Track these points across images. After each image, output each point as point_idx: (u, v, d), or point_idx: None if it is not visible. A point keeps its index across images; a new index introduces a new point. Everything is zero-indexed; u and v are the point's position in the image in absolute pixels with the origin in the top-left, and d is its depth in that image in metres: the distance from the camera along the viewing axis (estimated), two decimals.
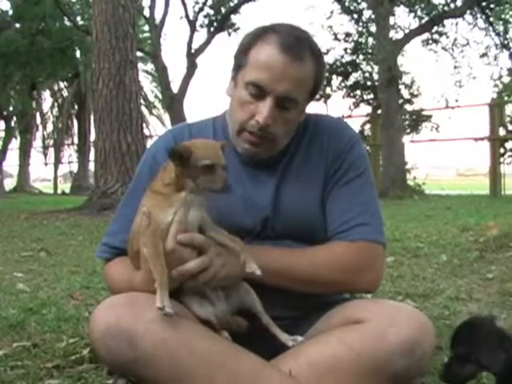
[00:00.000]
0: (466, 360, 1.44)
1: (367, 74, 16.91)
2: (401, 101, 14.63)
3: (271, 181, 1.71)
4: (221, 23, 16.84)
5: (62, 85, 25.41)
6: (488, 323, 1.46)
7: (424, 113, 15.98)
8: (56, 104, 25.67)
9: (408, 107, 16.20)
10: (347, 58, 16.75)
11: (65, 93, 25.49)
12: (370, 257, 1.66)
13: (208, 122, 1.82)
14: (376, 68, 14.73)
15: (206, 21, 17.08)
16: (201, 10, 17.12)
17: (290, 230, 1.68)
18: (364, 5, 15.20)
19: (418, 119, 16.22)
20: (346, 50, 16.64)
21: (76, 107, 24.60)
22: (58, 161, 24.60)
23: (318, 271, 1.62)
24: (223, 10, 16.76)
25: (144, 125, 9.54)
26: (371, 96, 16.65)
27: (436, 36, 15.20)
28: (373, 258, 1.67)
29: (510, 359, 1.38)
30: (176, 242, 1.47)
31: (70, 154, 25.79)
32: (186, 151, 1.47)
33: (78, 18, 18.48)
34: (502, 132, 12.78)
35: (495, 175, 11.50)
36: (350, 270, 1.64)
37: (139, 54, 14.01)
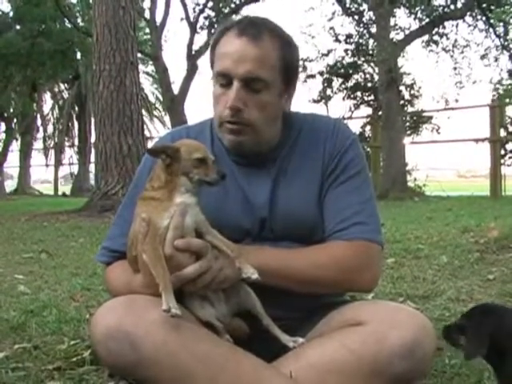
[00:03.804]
0: (463, 332, 1.50)
1: (368, 76, 16.95)
2: (401, 102, 14.65)
3: (267, 181, 1.70)
4: None
5: (62, 86, 25.46)
6: (498, 316, 1.48)
7: (424, 114, 15.98)
8: (56, 106, 25.70)
9: (409, 108, 16.22)
10: (348, 60, 16.79)
11: (65, 94, 25.53)
12: (368, 256, 1.65)
13: (206, 124, 1.82)
14: (377, 69, 14.74)
15: (207, 22, 17.12)
16: (201, 11, 17.16)
17: (287, 231, 1.68)
18: (365, 6, 15.24)
19: (419, 120, 16.23)
20: (346, 51, 16.68)
21: (76, 109, 24.61)
22: (58, 162, 24.59)
23: (314, 270, 1.61)
24: (224, 11, 16.78)
25: (145, 126, 9.54)
26: (372, 97, 16.68)
27: (436, 37, 15.25)
28: (370, 257, 1.66)
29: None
30: (173, 247, 1.47)
31: (70, 155, 25.84)
32: (173, 147, 1.52)
33: (79, 20, 18.59)
34: (502, 133, 12.79)
35: (496, 176, 11.49)
36: (348, 269, 1.63)
37: (140, 55, 14.01)
